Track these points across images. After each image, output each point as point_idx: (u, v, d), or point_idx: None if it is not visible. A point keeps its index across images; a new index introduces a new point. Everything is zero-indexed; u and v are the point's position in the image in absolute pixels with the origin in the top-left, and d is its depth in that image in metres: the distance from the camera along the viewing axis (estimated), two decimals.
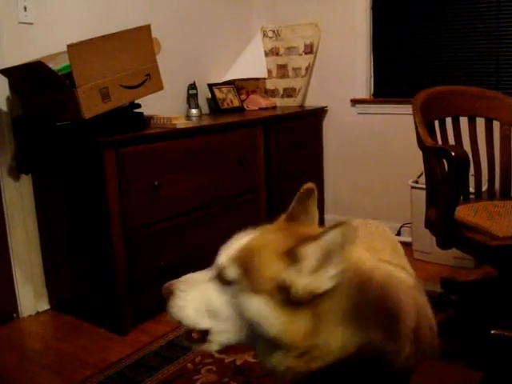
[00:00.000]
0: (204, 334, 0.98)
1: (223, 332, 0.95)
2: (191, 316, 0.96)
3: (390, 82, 3.45)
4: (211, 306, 0.95)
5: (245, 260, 0.92)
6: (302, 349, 0.88)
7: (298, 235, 0.92)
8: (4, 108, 2.44)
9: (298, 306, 0.86)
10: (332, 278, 0.85)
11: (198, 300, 0.96)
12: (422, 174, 2.86)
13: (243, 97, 3.62)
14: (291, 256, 0.87)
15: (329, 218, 3.74)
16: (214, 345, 0.98)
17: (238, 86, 3.60)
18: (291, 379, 0.93)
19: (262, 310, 0.88)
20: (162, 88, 2.51)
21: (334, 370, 0.89)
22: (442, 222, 2.03)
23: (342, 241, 0.83)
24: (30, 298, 2.59)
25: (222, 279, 0.94)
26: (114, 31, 2.29)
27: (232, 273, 0.92)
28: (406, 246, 3.25)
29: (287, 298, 0.86)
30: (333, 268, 0.84)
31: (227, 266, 0.93)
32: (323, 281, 0.85)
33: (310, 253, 0.86)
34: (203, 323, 0.96)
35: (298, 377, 0.92)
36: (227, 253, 0.96)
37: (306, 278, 0.86)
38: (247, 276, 0.90)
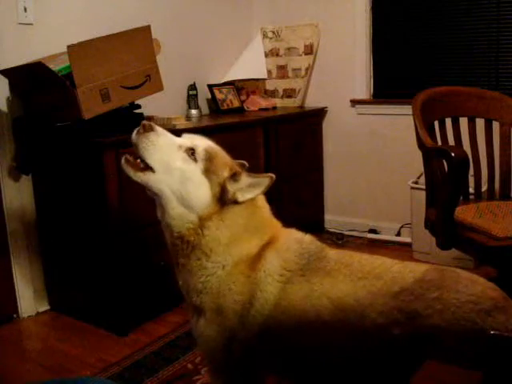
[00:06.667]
0: (144, 169, 1.31)
1: (160, 179, 1.31)
2: (151, 151, 1.30)
3: (390, 82, 3.46)
4: (168, 158, 1.31)
5: (211, 153, 1.35)
6: (202, 217, 1.31)
7: (234, 164, 1.39)
8: (4, 108, 2.45)
9: (219, 201, 1.32)
10: (246, 198, 1.34)
11: (164, 147, 1.32)
12: (421, 174, 2.86)
13: (243, 97, 3.62)
14: (234, 174, 1.34)
15: (329, 218, 3.75)
16: (145, 179, 1.32)
17: (237, 86, 3.60)
18: (169, 235, 1.38)
19: (203, 183, 1.31)
20: (162, 89, 2.51)
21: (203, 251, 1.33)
22: (442, 222, 2.03)
23: (261, 184, 1.33)
24: (30, 299, 2.59)
25: (190, 153, 1.32)
26: (114, 32, 2.29)
27: (203, 154, 1.33)
28: (406, 246, 3.26)
29: (219, 193, 1.32)
30: (250, 194, 1.34)
31: (202, 148, 1.34)
32: (243, 197, 1.33)
33: (246, 180, 1.34)
34: (154, 162, 1.30)
35: (174, 236, 1.36)
36: (198, 142, 1.37)
37: (237, 190, 1.33)
38: (209, 163, 1.32)
